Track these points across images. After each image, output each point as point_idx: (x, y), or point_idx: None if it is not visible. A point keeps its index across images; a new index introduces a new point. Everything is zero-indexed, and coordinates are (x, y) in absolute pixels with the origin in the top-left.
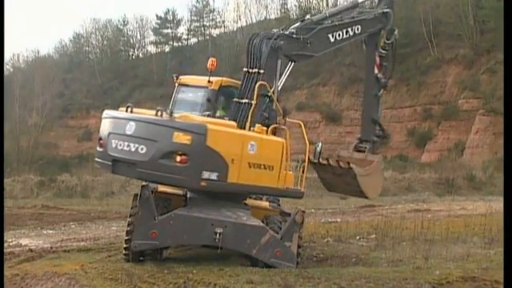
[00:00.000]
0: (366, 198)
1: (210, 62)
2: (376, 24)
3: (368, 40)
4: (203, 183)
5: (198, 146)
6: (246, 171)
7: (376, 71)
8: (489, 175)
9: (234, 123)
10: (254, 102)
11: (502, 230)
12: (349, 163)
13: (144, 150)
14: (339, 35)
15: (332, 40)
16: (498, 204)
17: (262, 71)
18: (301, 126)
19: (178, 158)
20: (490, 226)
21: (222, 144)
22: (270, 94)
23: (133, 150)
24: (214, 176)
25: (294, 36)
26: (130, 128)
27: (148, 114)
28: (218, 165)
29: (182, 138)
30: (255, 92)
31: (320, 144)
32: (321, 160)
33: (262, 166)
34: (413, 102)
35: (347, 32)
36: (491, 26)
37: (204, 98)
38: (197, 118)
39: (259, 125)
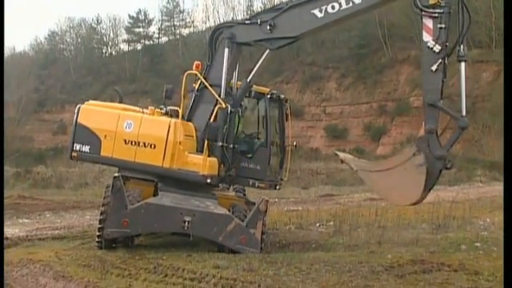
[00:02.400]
0: (392, 203)
1: (194, 65)
2: None
3: None
4: (74, 154)
5: (74, 123)
6: (122, 147)
7: (427, 37)
8: None
9: (119, 106)
10: (182, 92)
11: (502, 229)
12: (336, 154)
13: None
14: (333, 7)
15: (320, 15)
16: (444, 193)
17: (209, 63)
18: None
19: None
20: (437, 213)
21: (93, 121)
22: (205, 84)
23: None
24: (86, 148)
25: (247, 22)
26: None
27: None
28: (91, 139)
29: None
30: (184, 80)
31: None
32: None
33: (142, 144)
34: (369, 99)
35: (350, 1)
36: None
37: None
38: (92, 103)
39: (152, 107)
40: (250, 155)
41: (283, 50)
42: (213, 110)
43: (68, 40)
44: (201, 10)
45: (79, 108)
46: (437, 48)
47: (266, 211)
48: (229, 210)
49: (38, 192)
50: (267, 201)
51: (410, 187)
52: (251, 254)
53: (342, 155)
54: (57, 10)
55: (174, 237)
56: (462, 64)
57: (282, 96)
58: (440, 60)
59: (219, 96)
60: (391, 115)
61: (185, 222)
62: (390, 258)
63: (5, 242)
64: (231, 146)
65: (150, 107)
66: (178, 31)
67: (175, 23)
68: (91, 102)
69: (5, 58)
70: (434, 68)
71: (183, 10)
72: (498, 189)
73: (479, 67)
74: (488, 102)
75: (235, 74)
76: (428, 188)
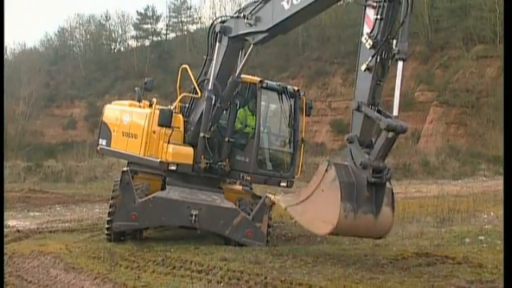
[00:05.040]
0: (319, 233)
1: None
2: None
3: None
4: (98, 148)
5: (100, 121)
6: (121, 139)
7: (366, 30)
8: (441, 161)
9: (129, 102)
10: (178, 85)
11: (503, 229)
12: (267, 197)
13: None
14: None
15: (287, 7)
16: (449, 187)
17: (209, 58)
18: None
19: None
20: (441, 206)
21: (109, 118)
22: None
23: None
24: (104, 142)
25: (235, 15)
26: None
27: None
28: (107, 134)
29: None
30: (179, 74)
31: None
32: None
33: (131, 135)
34: None
35: None
36: (444, 25)
37: None
38: (115, 102)
39: (145, 101)
40: (242, 148)
41: (289, 45)
42: (205, 104)
43: (77, 36)
44: (208, 6)
45: (104, 107)
46: (368, 44)
47: (271, 205)
48: (235, 204)
49: (48, 186)
50: (273, 195)
51: (330, 209)
52: (257, 247)
53: (272, 197)
54: (66, 6)
55: (181, 230)
56: (399, 63)
57: (296, 88)
58: (370, 58)
59: (208, 89)
60: None
61: (192, 215)
62: (394, 250)
63: (17, 234)
64: (226, 139)
65: (143, 101)
66: (185, 27)
67: (183, 19)
68: (116, 101)
69: (16, 54)
70: (363, 67)
71: (190, 7)
72: (501, 183)
73: (483, 62)
74: (492, 97)
75: (239, 69)
76: (360, 207)
